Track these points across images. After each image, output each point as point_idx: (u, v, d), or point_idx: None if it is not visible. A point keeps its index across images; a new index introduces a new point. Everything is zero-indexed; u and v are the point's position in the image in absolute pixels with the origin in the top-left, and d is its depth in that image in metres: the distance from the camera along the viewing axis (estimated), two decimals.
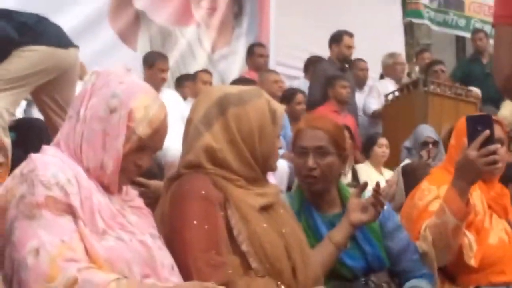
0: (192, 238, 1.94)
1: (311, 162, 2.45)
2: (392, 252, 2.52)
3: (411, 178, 4.15)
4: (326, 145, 2.47)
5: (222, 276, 1.89)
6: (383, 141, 6.06)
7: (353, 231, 2.39)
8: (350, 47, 7.22)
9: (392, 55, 7.92)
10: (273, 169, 2.21)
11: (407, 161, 5.59)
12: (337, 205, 2.54)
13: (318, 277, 2.18)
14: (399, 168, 4.72)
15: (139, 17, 7.38)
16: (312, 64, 7.58)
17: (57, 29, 3.73)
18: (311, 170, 2.45)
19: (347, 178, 5.15)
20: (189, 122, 2.13)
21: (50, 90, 3.70)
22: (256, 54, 7.34)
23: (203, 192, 2.00)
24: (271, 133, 2.12)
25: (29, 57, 3.49)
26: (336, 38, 7.21)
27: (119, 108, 1.84)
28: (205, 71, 7.05)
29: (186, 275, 1.89)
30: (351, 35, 7.22)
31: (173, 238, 1.96)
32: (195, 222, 1.95)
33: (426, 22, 10.43)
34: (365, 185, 2.50)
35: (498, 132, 2.59)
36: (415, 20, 10.55)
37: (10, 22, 3.48)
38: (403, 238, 2.56)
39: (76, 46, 3.78)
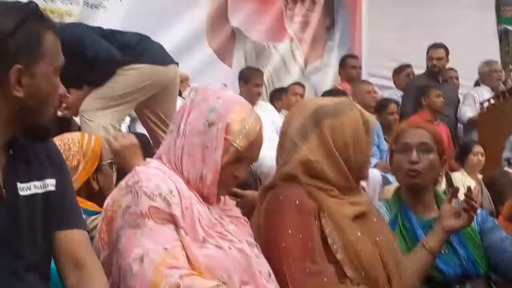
0: (287, 247, 1.96)
1: (414, 156, 2.48)
2: (493, 249, 2.48)
3: (493, 186, 4.11)
4: (429, 142, 2.52)
5: (318, 284, 1.92)
6: (478, 149, 5.91)
7: (446, 237, 2.38)
8: (432, 59, 7.18)
9: (488, 63, 7.76)
10: (366, 177, 2.24)
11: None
12: (434, 210, 2.54)
13: (414, 285, 2.18)
14: (480, 178, 4.67)
15: (234, 34, 7.51)
16: (398, 73, 7.57)
17: (158, 47, 3.86)
18: (414, 164, 2.48)
19: (441, 186, 5.08)
20: (284, 134, 2.16)
21: (152, 105, 3.83)
22: (348, 66, 7.33)
23: (298, 202, 2.02)
24: (364, 143, 2.14)
25: (132, 75, 3.63)
26: (431, 50, 7.20)
27: (217, 122, 1.91)
28: (298, 83, 7.09)
29: (283, 283, 1.92)
30: (437, 46, 7.17)
31: (268, 247, 1.99)
32: (290, 231, 1.97)
33: None
34: (457, 190, 2.48)
35: None
36: (510, 27, 10.29)
37: (114, 43, 3.62)
38: (502, 235, 2.51)
39: (175, 63, 3.90)
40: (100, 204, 2.43)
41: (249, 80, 6.18)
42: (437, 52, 7.19)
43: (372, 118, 2.21)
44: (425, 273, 2.33)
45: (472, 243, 2.49)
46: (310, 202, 2.05)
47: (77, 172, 2.45)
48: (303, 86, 6.98)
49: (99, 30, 3.71)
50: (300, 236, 1.98)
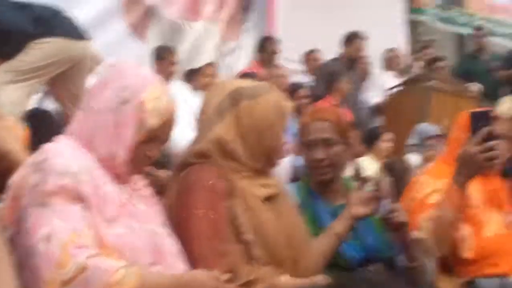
0: (197, 227, 1.98)
1: (319, 154, 2.50)
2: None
3: (391, 172, 4.26)
4: (332, 135, 2.52)
5: (226, 264, 1.94)
6: (387, 136, 6.07)
7: (354, 223, 2.42)
8: (358, 50, 7.32)
9: (391, 50, 8.03)
10: (277, 163, 2.26)
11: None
12: (341, 196, 2.56)
13: (319, 267, 2.23)
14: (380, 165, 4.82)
15: (150, 11, 7.43)
16: (308, 58, 7.67)
17: (71, 22, 3.80)
18: (320, 161, 2.51)
19: (348, 171, 5.18)
20: (201, 112, 2.18)
21: (64, 81, 3.76)
22: (269, 50, 7.31)
23: (209, 182, 2.04)
24: (279, 128, 2.17)
25: (44, 49, 3.55)
26: (349, 39, 7.31)
27: (130, 100, 1.88)
28: (210, 64, 7.08)
29: (192, 263, 1.94)
30: (363, 38, 7.31)
31: (179, 227, 2.00)
32: (201, 211, 1.99)
33: (429, 18, 10.50)
34: (366, 180, 2.52)
35: (500, 127, 2.64)
36: (418, 17, 10.62)
37: (26, 15, 3.54)
38: None
39: (89, 38, 3.85)
40: None
41: (163, 58, 6.15)
42: (362, 44, 7.33)
43: (288, 104, 2.24)
44: (331, 257, 2.36)
45: (376, 229, 2.54)
46: (222, 182, 2.06)
47: None
48: (215, 67, 6.98)
49: (10, 1, 3.61)
50: (211, 216, 2.00)
